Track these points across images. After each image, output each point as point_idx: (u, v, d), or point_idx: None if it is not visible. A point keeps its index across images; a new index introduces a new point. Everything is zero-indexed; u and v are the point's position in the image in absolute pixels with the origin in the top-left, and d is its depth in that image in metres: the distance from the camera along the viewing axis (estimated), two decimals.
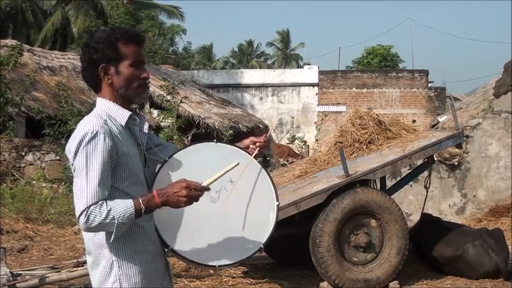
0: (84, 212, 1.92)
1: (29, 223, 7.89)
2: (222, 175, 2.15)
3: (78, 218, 1.94)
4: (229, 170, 2.18)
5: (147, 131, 2.21)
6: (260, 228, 2.28)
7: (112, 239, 1.98)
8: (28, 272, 4.84)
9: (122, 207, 1.95)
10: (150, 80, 2.25)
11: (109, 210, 1.93)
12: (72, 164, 2.02)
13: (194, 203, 2.07)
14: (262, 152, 2.37)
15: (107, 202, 1.95)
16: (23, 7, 24.37)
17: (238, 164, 2.22)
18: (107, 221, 1.93)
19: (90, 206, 1.92)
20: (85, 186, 1.94)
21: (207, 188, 2.07)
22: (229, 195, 2.24)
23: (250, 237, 2.26)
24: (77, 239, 7.16)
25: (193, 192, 2.02)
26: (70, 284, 4.92)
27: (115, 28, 2.15)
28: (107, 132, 2.00)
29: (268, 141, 2.43)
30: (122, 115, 2.11)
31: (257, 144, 2.36)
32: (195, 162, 2.19)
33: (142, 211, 1.99)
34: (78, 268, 4.71)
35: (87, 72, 2.12)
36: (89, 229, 1.96)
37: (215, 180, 2.13)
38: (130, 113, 2.13)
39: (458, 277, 5.52)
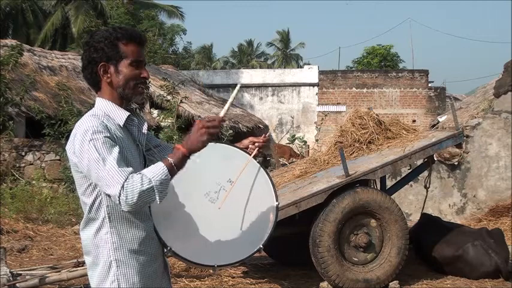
0: (121, 192, 1.87)
1: (29, 223, 7.89)
2: (232, 102, 2.22)
3: (119, 201, 1.89)
4: (236, 94, 2.22)
5: (146, 131, 2.21)
6: (259, 228, 2.27)
7: (158, 201, 1.92)
8: (28, 272, 4.85)
9: (152, 169, 1.93)
10: (149, 80, 2.25)
11: (142, 177, 1.90)
12: (75, 164, 2.01)
13: (193, 204, 2.06)
14: (261, 152, 2.37)
15: (135, 173, 1.92)
16: (23, 7, 24.40)
17: (239, 86, 2.31)
18: (145, 187, 1.88)
19: (123, 183, 1.88)
20: (107, 172, 1.91)
21: (223, 119, 2.06)
22: (229, 195, 2.23)
23: (250, 237, 2.26)
24: (77, 239, 7.16)
25: (211, 122, 2.00)
26: (70, 284, 4.92)
27: (116, 28, 2.15)
28: (106, 129, 2.01)
29: (268, 141, 2.43)
30: (120, 115, 2.10)
31: (256, 144, 2.36)
32: (194, 162, 2.18)
33: (174, 165, 1.95)
34: (78, 268, 4.72)
35: (87, 71, 2.12)
36: (135, 205, 1.89)
37: (228, 108, 2.16)
38: (128, 113, 2.12)
39: (458, 277, 5.52)
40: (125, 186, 1.87)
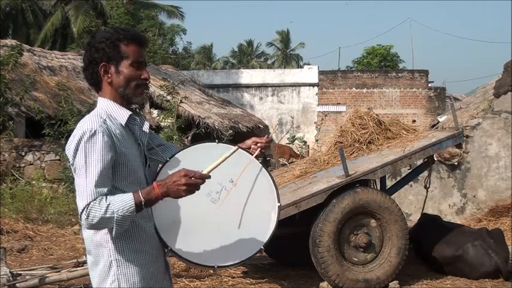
0: (85, 209, 1.93)
1: (29, 223, 7.89)
2: (222, 162, 2.14)
3: (80, 215, 1.95)
4: (229, 157, 2.17)
5: (147, 130, 2.21)
6: (261, 229, 2.27)
7: (113, 234, 1.97)
8: (28, 272, 4.84)
9: (121, 200, 1.95)
10: (150, 80, 2.25)
11: (108, 205, 1.93)
12: (73, 164, 2.03)
13: (194, 204, 2.06)
14: (263, 153, 2.37)
15: (106, 197, 1.95)
16: (23, 7, 24.39)
17: (237, 149, 2.23)
18: (107, 215, 1.92)
19: (89, 202, 1.93)
20: (85, 184, 1.95)
21: (207, 176, 2.05)
22: (230, 196, 2.23)
23: (251, 238, 2.25)
24: (77, 239, 7.16)
25: (193, 180, 1.99)
26: (70, 284, 4.92)
27: (117, 28, 2.16)
28: (106, 131, 2.01)
29: (270, 142, 2.42)
30: (121, 114, 2.11)
31: (259, 144, 2.36)
32: (197, 162, 2.17)
33: (143, 203, 1.97)
34: (78, 268, 4.71)
35: (88, 71, 2.13)
36: (91, 226, 1.96)
37: (215, 167, 2.11)
38: (130, 112, 2.13)
39: (458, 277, 5.52)
40: (90, 205, 1.93)
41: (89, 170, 1.96)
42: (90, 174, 1.95)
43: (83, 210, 1.93)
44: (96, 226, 1.97)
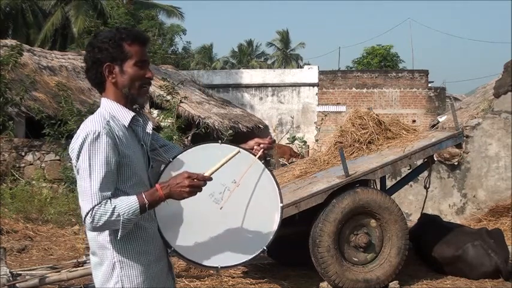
0: (90, 213, 1.93)
1: (29, 223, 7.89)
2: (224, 164, 2.15)
3: (84, 218, 1.95)
4: (231, 158, 2.17)
5: (150, 131, 2.22)
6: (263, 229, 2.27)
7: (119, 236, 1.98)
8: (28, 272, 4.84)
9: (126, 203, 1.96)
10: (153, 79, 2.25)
11: (114, 208, 1.94)
12: (76, 166, 2.03)
13: (198, 204, 2.06)
14: (266, 154, 2.36)
15: (110, 200, 1.96)
16: (23, 7, 24.36)
17: (239, 151, 2.23)
18: (113, 218, 1.94)
19: (94, 206, 1.93)
20: (89, 187, 1.95)
21: (209, 178, 2.06)
22: (233, 196, 2.22)
23: (253, 239, 2.25)
24: (77, 239, 7.16)
25: (196, 182, 2.01)
26: (70, 284, 4.92)
27: (119, 28, 2.16)
28: (109, 133, 2.01)
29: (273, 143, 2.42)
30: (125, 115, 2.11)
31: (261, 145, 2.35)
32: (199, 163, 2.17)
33: (147, 206, 1.99)
34: (78, 268, 4.71)
35: (92, 72, 2.12)
36: (96, 229, 1.98)
37: (217, 169, 2.12)
38: (133, 113, 2.13)
39: (458, 277, 5.52)
40: (95, 209, 1.94)
41: (93, 173, 1.96)
42: (94, 177, 1.95)
43: (87, 214, 1.93)
44: (100, 229, 1.98)
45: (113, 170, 2.00)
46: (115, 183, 2.02)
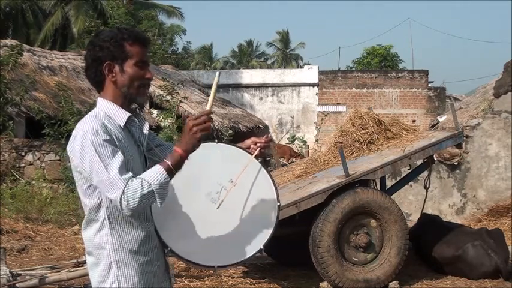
0: (122, 197, 1.91)
1: (29, 223, 7.89)
2: (215, 92, 2.17)
3: (120, 205, 1.92)
4: (217, 84, 2.20)
5: (147, 131, 2.21)
6: (260, 229, 2.27)
7: (160, 205, 1.97)
8: (28, 272, 4.84)
9: (152, 172, 1.96)
10: (153, 79, 2.25)
11: (142, 181, 1.93)
12: (76, 166, 2.02)
13: (194, 204, 2.05)
14: (263, 153, 2.36)
15: (135, 178, 1.95)
16: (23, 7, 24.36)
17: (220, 73, 2.28)
18: (145, 191, 1.92)
19: (123, 189, 1.91)
20: (109, 176, 1.93)
21: (210, 111, 2.07)
22: (230, 196, 2.23)
23: (250, 238, 2.25)
24: (77, 239, 7.16)
25: (200, 119, 2.02)
26: (70, 284, 4.92)
27: (121, 28, 2.16)
28: (106, 132, 2.01)
29: (270, 142, 2.42)
30: (120, 116, 2.10)
31: (258, 144, 2.35)
32: (196, 162, 2.18)
33: (172, 167, 1.98)
34: (78, 268, 4.71)
35: (91, 70, 2.12)
36: (135, 208, 1.94)
37: (213, 99, 2.15)
38: (129, 114, 2.13)
39: (458, 277, 5.52)
40: (125, 191, 1.91)
41: (107, 162, 1.94)
42: (110, 165, 1.94)
43: (120, 199, 1.91)
44: (139, 206, 1.94)
45: (122, 156, 1.99)
46: (128, 166, 2.01)
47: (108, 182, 1.93)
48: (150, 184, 1.93)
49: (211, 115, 2.07)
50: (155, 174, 1.95)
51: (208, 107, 2.09)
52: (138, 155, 2.15)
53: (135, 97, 2.14)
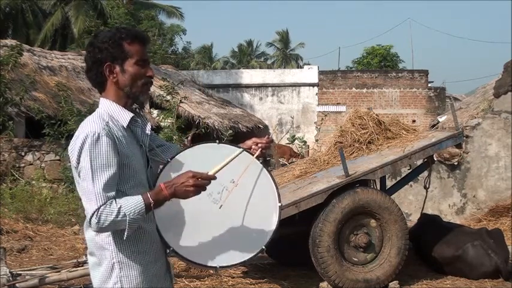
0: (95, 214, 1.93)
1: (29, 223, 7.89)
2: (228, 163, 2.15)
3: (90, 219, 1.94)
4: (234, 158, 2.18)
5: (149, 132, 2.21)
6: (262, 229, 2.27)
7: (125, 236, 1.98)
8: (28, 272, 4.84)
9: (132, 203, 1.96)
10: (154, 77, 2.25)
11: (119, 208, 1.94)
12: (76, 167, 2.02)
13: (196, 204, 2.06)
14: (264, 153, 2.36)
15: (116, 200, 1.95)
16: (23, 7, 24.37)
17: (242, 151, 2.23)
18: (119, 218, 1.93)
19: (99, 207, 1.93)
20: (92, 188, 1.95)
21: (213, 177, 2.07)
22: (231, 196, 2.22)
23: (252, 239, 2.25)
24: (77, 239, 7.16)
25: (200, 182, 2.02)
26: (70, 284, 4.92)
27: (119, 28, 2.16)
28: (109, 134, 2.00)
29: (271, 142, 2.42)
30: (123, 116, 2.11)
31: (259, 145, 2.35)
32: (197, 163, 2.17)
33: (152, 205, 1.99)
34: (78, 268, 4.71)
35: (92, 72, 2.12)
36: (102, 229, 1.97)
37: (221, 168, 2.13)
38: (132, 114, 2.13)
39: (458, 277, 5.52)
40: (100, 209, 1.93)
41: (96, 173, 1.95)
42: (97, 178, 1.95)
43: (93, 215, 1.93)
44: (106, 229, 1.98)
45: (115, 170, 1.99)
46: (117, 183, 2.01)
47: (89, 193, 1.95)
48: (125, 215, 1.94)
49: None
50: (134, 206, 1.96)
51: (212, 172, 2.09)
52: (140, 155, 2.15)
53: (138, 95, 2.14)
